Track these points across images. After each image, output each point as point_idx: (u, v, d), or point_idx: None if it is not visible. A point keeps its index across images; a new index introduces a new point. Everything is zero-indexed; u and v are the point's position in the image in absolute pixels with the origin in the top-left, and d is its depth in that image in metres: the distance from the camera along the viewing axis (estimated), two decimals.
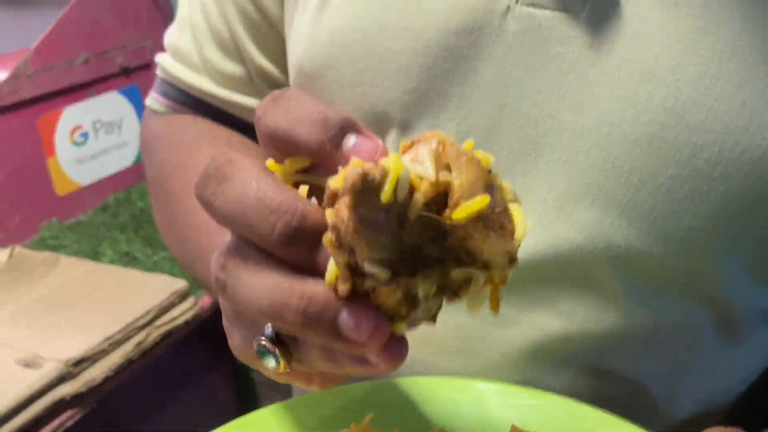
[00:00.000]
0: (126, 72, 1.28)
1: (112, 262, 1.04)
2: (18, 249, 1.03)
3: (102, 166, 1.28)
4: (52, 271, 0.96)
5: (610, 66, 0.37)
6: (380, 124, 0.42)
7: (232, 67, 0.54)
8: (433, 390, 0.39)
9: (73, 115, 1.21)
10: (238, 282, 0.25)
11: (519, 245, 0.23)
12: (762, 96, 0.35)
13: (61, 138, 1.20)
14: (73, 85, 1.19)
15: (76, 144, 1.23)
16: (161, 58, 0.59)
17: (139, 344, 0.80)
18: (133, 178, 1.34)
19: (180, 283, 0.88)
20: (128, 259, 1.04)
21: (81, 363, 0.75)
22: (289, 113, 0.26)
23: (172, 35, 0.58)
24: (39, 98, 1.14)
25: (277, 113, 0.26)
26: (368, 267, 0.21)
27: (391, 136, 0.43)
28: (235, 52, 0.53)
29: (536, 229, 0.39)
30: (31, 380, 0.71)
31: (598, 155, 0.37)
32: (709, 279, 0.39)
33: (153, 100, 0.59)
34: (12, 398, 0.70)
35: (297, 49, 0.46)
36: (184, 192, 0.51)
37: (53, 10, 1.24)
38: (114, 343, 0.78)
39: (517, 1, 0.38)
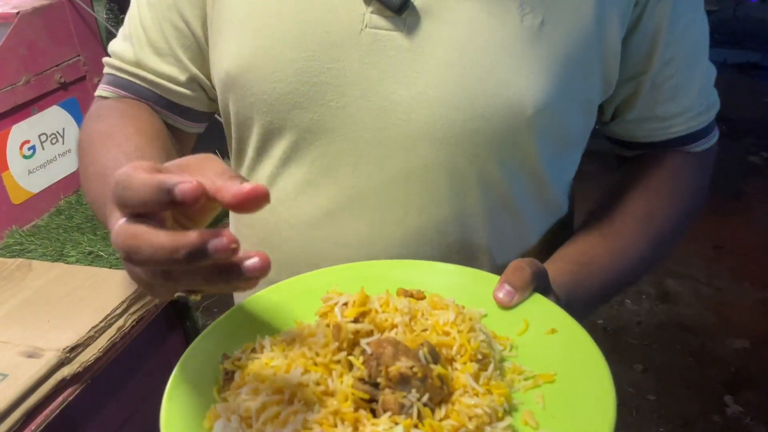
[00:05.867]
0: (64, 86, 1.41)
1: (77, 261, 1.20)
2: None
3: (51, 174, 1.41)
4: (28, 275, 1.11)
5: (421, 60, 0.62)
6: (285, 104, 0.66)
7: (166, 68, 0.73)
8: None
9: (20, 132, 1.33)
10: (140, 246, 0.38)
11: None
12: (515, 68, 0.61)
13: (12, 153, 1.32)
14: (17, 105, 1.31)
15: (26, 157, 1.36)
16: (108, 59, 0.77)
17: (119, 329, 0.98)
18: (80, 181, 1.47)
19: None
20: (93, 258, 1.20)
21: (75, 349, 0.92)
22: (137, 194, 0.39)
23: (116, 44, 0.77)
24: None
25: (128, 196, 0.40)
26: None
27: (292, 113, 0.66)
28: (170, 57, 0.73)
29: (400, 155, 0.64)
30: (37, 368, 0.89)
31: (425, 110, 0.63)
32: (530, 158, 0.67)
33: (101, 90, 0.79)
34: (23, 383, 0.87)
35: (224, 61, 0.68)
36: (98, 153, 0.68)
37: None
38: (99, 330, 0.96)
39: (365, 26, 0.62)
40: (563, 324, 0.55)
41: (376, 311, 0.54)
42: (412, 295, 0.58)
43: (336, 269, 0.62)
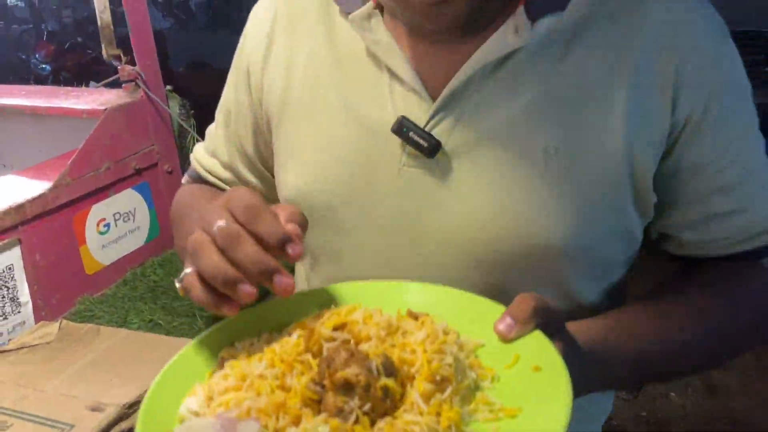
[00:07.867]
0: (138, 172, 1.59)
1: (139, 328, 1.33)
2: (65, 322, 1.32)
3: (121, 248, 1.58)
4: (96, 338, 1.25)
5: (452, 198, 0.68)
6: (325, 227, 0.73)
7: (228, 175, 0.86)
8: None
9: (98, 211, 1.51)
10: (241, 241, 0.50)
11: None
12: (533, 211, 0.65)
13: (90, 230, 1.50)
14: (98, 188, 1.50)
15: (101, 233, 1.53)
16: (195, 162, 0.90)
17: None
18: (146, 255, 1.64)
19: None
20: (152, 325, 1.34)
21: (134, 405, 1.04)
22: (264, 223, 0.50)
23: (203, 158, 0.89)
24: (73, 201, 1.44)
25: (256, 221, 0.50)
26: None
27: (329, 234, 0.73)
28: (231, 169, 0.85)
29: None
30: (99, 419, 1.01)
31: (455, 245, 0.68)
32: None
33: (186, 178, 0.92)
34: None
35: (285, 190, 0.77)
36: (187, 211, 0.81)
37: (78, 122, 1.56)
38: None
39: (402, 166, 0.69)
40: (549, 363, 0.53)
41: (357, 323, 0.55)
42: (416, 317, 0.58)
43: (353, 286, 0.63)
